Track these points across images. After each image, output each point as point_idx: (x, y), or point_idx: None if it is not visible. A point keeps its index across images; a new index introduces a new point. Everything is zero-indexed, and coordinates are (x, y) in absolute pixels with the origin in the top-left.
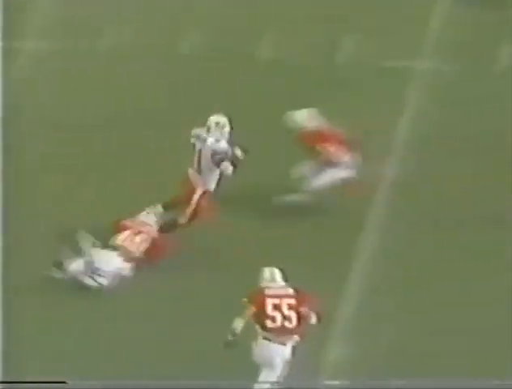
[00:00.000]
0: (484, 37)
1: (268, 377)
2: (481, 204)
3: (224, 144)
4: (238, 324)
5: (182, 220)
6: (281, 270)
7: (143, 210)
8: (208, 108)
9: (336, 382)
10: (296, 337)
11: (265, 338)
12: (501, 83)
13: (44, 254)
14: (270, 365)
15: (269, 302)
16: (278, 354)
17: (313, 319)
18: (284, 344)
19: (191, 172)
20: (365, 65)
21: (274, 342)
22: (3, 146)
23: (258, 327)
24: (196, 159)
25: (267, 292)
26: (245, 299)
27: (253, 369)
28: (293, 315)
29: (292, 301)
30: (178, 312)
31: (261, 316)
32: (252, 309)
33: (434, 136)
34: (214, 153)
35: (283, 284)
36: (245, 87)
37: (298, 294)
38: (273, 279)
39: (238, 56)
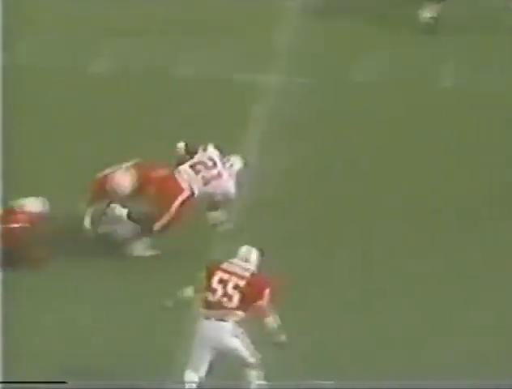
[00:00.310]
0: (339, 49)
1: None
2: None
3: (232, 184)
4: (186, 292)
5: (157, 226)
6: (261, 251)
7: None
8: None
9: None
10: (239, 314)
11: (206, 317)
12: (357, 94)
13: None
14: (223, 345)
15: (218, 275)
16: (223, 331)
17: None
18: (224, 321)
19: (186, 168)
20: (211, 78)
21: (214, 319)
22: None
23: (200, 308)
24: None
25: (223, 266)
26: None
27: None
28: (236, 296)
29: (241, 282)
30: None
31: (207, 288)
32: (203, 280)
33: (285, 151)
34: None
35: (249, 265)
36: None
37: (253, 278)
38: (246, 258)
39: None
